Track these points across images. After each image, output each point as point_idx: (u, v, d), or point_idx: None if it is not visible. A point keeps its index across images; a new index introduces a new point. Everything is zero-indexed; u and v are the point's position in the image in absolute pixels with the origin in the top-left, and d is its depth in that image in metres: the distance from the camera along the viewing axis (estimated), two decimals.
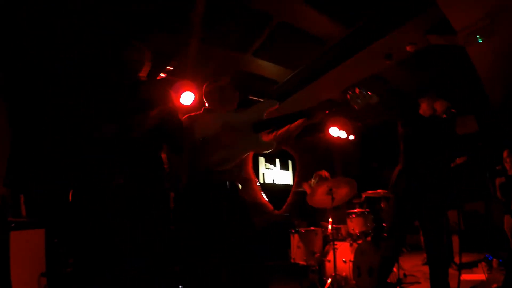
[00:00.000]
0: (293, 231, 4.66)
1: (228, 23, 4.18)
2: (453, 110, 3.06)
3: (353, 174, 7.02)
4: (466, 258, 5.32)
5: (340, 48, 4.52)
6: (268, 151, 2.23)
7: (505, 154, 4.40)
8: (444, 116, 3.07)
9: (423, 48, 4.03)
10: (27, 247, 2.91)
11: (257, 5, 3.90)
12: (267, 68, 5.26)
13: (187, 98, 5.13)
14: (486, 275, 4.05)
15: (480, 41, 2.84)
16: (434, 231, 3.00)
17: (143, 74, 2.15)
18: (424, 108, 3.28)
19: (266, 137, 2.48)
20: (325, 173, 5.13)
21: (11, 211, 3.22)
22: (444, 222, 3.08)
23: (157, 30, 4.21)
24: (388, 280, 4.09)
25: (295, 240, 4.61)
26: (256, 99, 6.00)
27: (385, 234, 3.26)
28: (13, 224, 2.74)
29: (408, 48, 3.97)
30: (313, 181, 5.25)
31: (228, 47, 4.70)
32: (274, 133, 2.60)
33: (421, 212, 3.06)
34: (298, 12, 4.00)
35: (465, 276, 4.24)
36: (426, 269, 3.17)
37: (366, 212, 4.54)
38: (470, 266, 4.72)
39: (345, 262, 4.05)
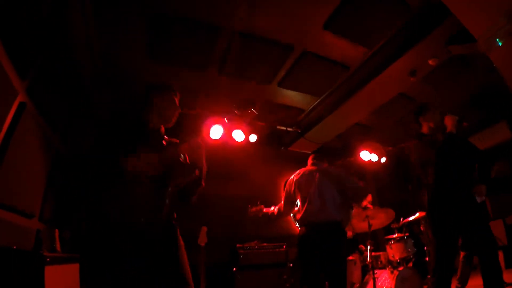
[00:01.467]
0: None
1: (251, 56, 4.32)
2: (465, 124, 2.98)
3: (389, 199, 6.76)
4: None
5: (364, 70, 4.51)
6: None
7: None
8: (454, 131, 2.99)
9: (446, 60, 3.96)
10: (62, 282, 2.95)
11: (277, 36, 4.02)
12: (293, 97, 5.33)
13: (216, 132, 5.28)
14: None
15: (500, 44, 2.75)
16: (487, 250, 2.78)
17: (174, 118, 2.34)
18: (430, 127, 3.16)
19: None
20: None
21: (47, 246, 3.34)
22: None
23: (184, 67, 4.43)
24: None
25: None
26: (284, 128, 6.04)
27: (432, 271, 3.02)
28: (48, 259, 2.81)
29: (430, 62, 3.91)
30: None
31: (253, 79, 4.82)
32: None
33: (466, 236, 2.93)
34: (319, 39, 4.07)
35: None
36: None
37: (405, 237, 4.31)
38: None
39: None
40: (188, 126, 5.22)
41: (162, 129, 2.31)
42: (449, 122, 3.03)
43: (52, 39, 3.15)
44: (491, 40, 2.79)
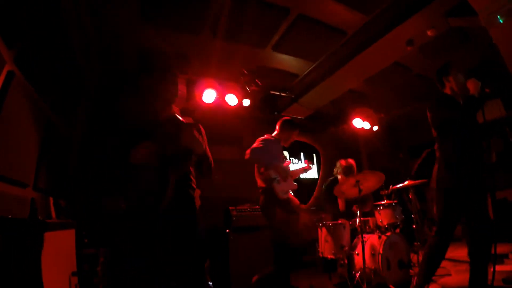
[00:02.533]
0: (320, 224, 4.64)
1: (246, 19, 4.18)
2: (487, 90, 2.86)
3: (380, 166, 6.90)
4: (496, 248, 5.09)
5: (360, 37, 4.42)
6: None
7: None
8: (476, 95, 2.86)
9: (444, 32, 3.88)
10: (58, 248, 3.01)
11: None
12: (287, 61, 5.24)
13: (208, 96, 5.23)
14: None
15: (501, 21, 2.68)
16: (484, 220, 2.83)
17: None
18: (453, 87, 3.05)
19: None
20: (349, 161, 5.10)
21: (42, 214, 3.38)
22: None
23: (176, 31, 4.29)
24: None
25: (323, 234, 4.58)
26: (278, 93, 5.99)
27: (433, 231, 3.03)
28: (43, 225, 2.84)
29: (429, 33, 3.84)
30: (336, 170, 5.24)
31: (247, 43, 4.70)
32: None
33: (470, 202, 2.87)
34: (315, 2, 3.95)
35: (496, 267, 4.06)
36: (456, 261, 3.01)
37: (394, 204, 4.43)
38: (501, 257, 4.52)
39: (374, 255, 3.98)
40: (181, 91, 5.17)
41: (172, 111, 2.38)
42: (472, 85, 2.92)
43: (39, 6, 3.01)
44: (492, 16, 2.71)
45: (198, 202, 2.34)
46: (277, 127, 4.35)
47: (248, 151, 3.96)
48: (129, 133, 2.27)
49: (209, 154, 2.48)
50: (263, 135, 4.18)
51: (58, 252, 2.98)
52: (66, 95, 4.17)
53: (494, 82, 2.84)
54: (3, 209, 2.68)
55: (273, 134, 4.29)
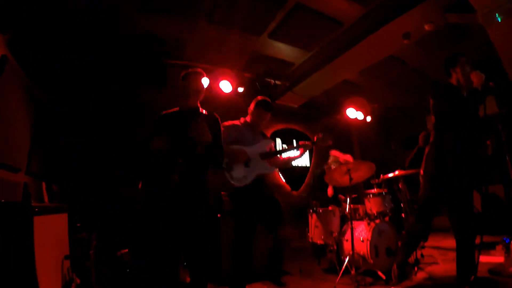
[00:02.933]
0: (311, 211, 4.74)
1: (242, 5, 4.17)
2: (491, 84, 2.85)
3: (371, 156, 7.03)
4: (483, 240, 5.30)
5: (357, 28, 4.45)
6: None
7: None
8: (480, 88, 2.86)
9: (442, 27, 3.93)
10: (51, 231, 3.03)
11: None
12: (283, 50, 5.24)
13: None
14: (504, 257, 4.03)
15: (499, 20, 2.72)
16: (465, 212, 2.88)
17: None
18: (459, 78, 3.04)
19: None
20: (339, 154, 5.18)
21: (35, 198, 3.40)
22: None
23: (172, 17, 4.26)
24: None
25: (313, 220, 4.69)
26: (272, 81, 6.01)
27: (415, 215, 3.14)
28: (36, 209, 2.86)
29: (426, 27, 3.87)
30: (330, 161, 5.31)
31: (243, 29, 4.68)
32: None
33: (453, 192, 2.90)
34: None
35: (483, 258, 4.22)
36: (444, 249, 3.13)
37: (384, 193, 4.54)
38: (488, 248, 4.70)
39: (362, 241, 4.10)
40: (176, 77, 5.15)
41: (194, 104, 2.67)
42: (476, 78, 2.90)
43: None
44: (490, 14, 2.74)
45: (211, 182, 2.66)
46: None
47: None
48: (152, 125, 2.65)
49: (219, 143, 2.72)
50: None
51: (51, 235, 3.01)
52: (60, 81, 4.14)
53: (490, 80, 2.84)
54: None
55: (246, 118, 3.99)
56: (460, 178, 2.88)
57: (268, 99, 3.75)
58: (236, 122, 3.82)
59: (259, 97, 3.71)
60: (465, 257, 2.82)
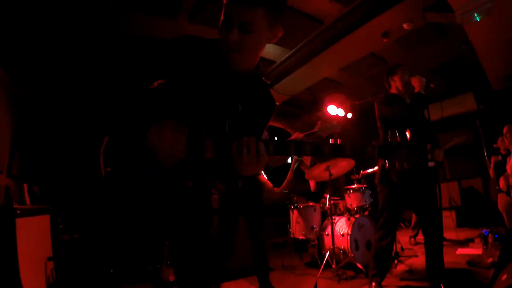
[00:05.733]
0: (292, 207, 4.80)
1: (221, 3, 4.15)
2: (431, 86, 2.96)
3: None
4: (462, 233, 5.51)
5: (337, 27, 4.50)
6: None
7: (505, 129, 4.33)
8: (423, 92, 2.96)
9: (421, 26, 4.02)
10: (33, 233, 3.00)
11: None
12: (265, 48, 5.24)
13: None
14: (482, 249, 4.18)
15: (478, 19, 2.82)
16: (429, 210, 2.96)
17: None
18: (398, 87, 3.15)
19: None
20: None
21: (16, 200, 3.32)
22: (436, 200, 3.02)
23: (153, 16, 4.22)
24: None
25: (294, 215, 4.75)
26: None
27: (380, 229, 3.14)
28: (18, 211, 2.82)
29: (405, 26, 3.95)
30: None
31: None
32: None
33: (412, 195, 3.01)
34: None
35: (461, 251, 4.39)
36: (422, 243, 3.19)
37: (363, 188, 4.64)
38: (467, 241, 4.88)
39: (343, 235, 4.18)
40: None
41: None
42: (416, 83, 3.01)
43: None
44: (469, 14, 2.81)
45: None
46: None
47: None
48: None
49: None
50: None
51: (33, 237, 2.97)
52: (41, 82, 4.03)
53: (468, 77, 2.94)
54: None
55: None
56: (416, 183, 2.96)
57: None
58: None
59: None
60: (434, 252, 2.90)
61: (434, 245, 2.92)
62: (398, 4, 3.68)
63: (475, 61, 3.54)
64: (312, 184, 5.29)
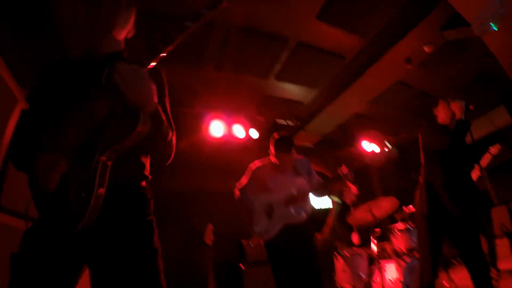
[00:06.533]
0: (337, 255, 4.50)
1: (246, 50, 4.27)
2: (471, 107, 2.89)
3: (393, 188, 6.72)
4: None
5: (359, 60, 4.46)
6: None
7: None
8: (463, 117, 2.90)
9: (442, 46, 3.89)
10: None
11: (271, 28, 3.97)
12: (291, 90, 5.29)
13: (216, 129, 5.26)
14: None
15: (494, 28, 2.67)
16: (470, 241, 2.73)
17: None
18: (442, 117, 3.09)
19: None
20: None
21: None
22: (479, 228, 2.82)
23: (179, 65, 4.40)
24: None
25: (340, 264, 4.45)
26: (284, 122, 6.00)
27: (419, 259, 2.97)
28: None
29: (426, 49, 3.85)
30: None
31: (249, 73, 4.78)
32: None
33: (453, 227, 2.82)
34: (313, 30, 4.01)
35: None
36: None
37: (411, 228, 4.27)
38: None
39: (392, 281, 3.80)
40: (189, 125, 5.23)
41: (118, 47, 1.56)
42: (456, 108, 2.94)
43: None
44: (485, 24, 2.71)
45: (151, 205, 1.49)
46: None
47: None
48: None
49: (170, 119, 1.54)
50: None
51: None
52: None
53: (496, 89, 2.83)
54: None
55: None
56: (460, 215, 2.77)
57: (286, 134, 3.40)
58: (265, 160, 3.43)
59: (275, 135, 3.35)
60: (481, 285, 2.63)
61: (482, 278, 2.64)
62: (414, 28, 3.63)
63: (501, 72, 3.35)
64: (355, 238, 4.90)
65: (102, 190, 1.22)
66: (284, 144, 3.26)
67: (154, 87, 1.29)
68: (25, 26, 2.74)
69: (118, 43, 1.52)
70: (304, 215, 3.09)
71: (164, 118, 1.43)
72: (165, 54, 1.42)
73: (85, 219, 1.18)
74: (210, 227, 4.46)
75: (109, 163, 1.26)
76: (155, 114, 1.35)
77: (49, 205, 1.26)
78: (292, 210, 3.02)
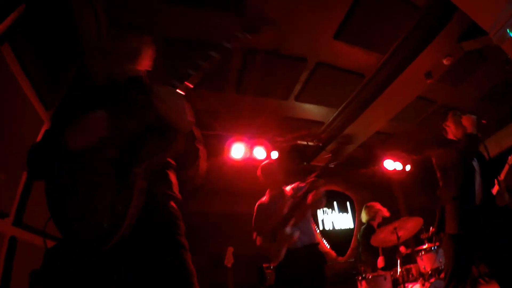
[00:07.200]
0: (360, 278, 4.36)
1: (265, 73, 4.36)
2: (483, 121, 2.83)
3: (418, 207, 6.50)
4: None
5: (379, 77, 4.46)
6: None
7: None
8: (478, 132, 2.82)
9: (461, 57, 3.85)
10: None
11: (290, 50, 4.06)
12: (311, 110, 5.32)
13: (237, 151, 5.32)
14: None
15: (511, 35, 2.65)
16: (505, 261, 2.61)
17: None
18: (452, 131, 3.06)
19: None
20: (377, 205, 4.89)
21: None
22: None
23: (200, 89, 4.53)
24: None
25: (362, 287, 4.26)
26: (305, 143, 6.00)
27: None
28: None
29: (445, 62, 3.82)
30: (363, 214, 5.04)
31: (269, 95, 4.85)
32: None
33: (485, 247, 2.72)
34: (331, 49, 4.07)
35: None
36: None
37: (435, 247, 4.11)
38: None
39: None
40: (210, 147, 5.32)
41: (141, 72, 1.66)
42: (467, 122, 2.88)
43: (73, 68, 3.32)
44: (502, 32, 2.70)
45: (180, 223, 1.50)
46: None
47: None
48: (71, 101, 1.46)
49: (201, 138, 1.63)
50: None
51: None
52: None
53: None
54: None
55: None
56: (487, 233, 2.69)
57: (271, 162, 3.78)
58: (262, 199, 3.70)
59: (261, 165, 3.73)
60: None
61: None
62: (432, 41, 3.61)
63: None
64: (380, 261, 4.76)
65: (139, 204, 1.25)
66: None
67: (190, 107, 1.40)
68: (51, 48, 2.93)
69: (139, 70, 1.64)
70: (300, 235, 3.11)
71: (199, 136, 1.55)
72: (192, 81, 1.56)
73: (120, 234, 1.19)
74: (230, 249, 4.44)
75: (145, 178, 1.30)
76: (190, 132, 1.47)
77: (75, 220, 1.24)
78: (290, 231, 3.07)
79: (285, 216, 3.12)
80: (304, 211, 3.18)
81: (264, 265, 5.05)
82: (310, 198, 3.08)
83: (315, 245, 3.24)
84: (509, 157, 2.98)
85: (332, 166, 6.52)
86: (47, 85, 3.06)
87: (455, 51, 3.64)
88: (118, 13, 2.98)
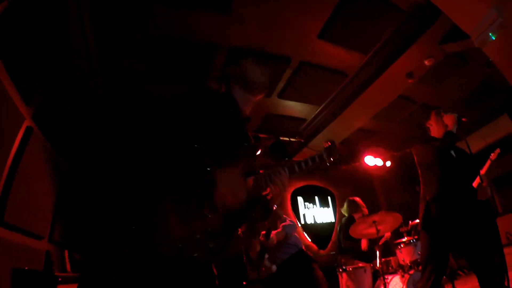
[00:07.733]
0: (340, 270, 4.46)
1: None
2: (463, 119, 2.94)
3: (397, 201, 6.73)
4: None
5: (361, 76, 4.56)
6: None
7: None
8: (454, 131, 2.95)
9: (442, 59, 3.98)
10: None
11: (274, 49, 4.08)
12: (294, 107, 5.36)
13: None
14: None
15: (493, 38, 2.76)
16: (483, 254, 2.71)
17: None
18: (434, 129, 3.16)
19: None
20: (359, 200, 5.03)
21: (57, 266, 3.37)
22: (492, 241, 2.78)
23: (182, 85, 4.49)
24: None
25: (343, 279, 4.41)
26: (287, 139, 6.06)
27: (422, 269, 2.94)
28: (60, 279, 2.84)
29: (426, 62, 3.94)
30: (345, 207, 5.16)
31: None
32: None
33: (461, 238, 2.82)
34: (314, 48, 4.12)
35: None
36: None
37: (414, 240, 4.27)
38: None
39: None
40: None
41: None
42: (449, 121, 2.99)
43: (55, 67, 3.26)
44: (484, 35, 2.81)
45: None
46: None
47: None
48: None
49: None
50: None
51: None
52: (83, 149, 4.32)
53: (498, 98, 2.88)
54: (19, 261, 2.71)
55: None
56: (463, 226, 2.79)
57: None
58: None
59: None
60: None
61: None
62: (414, 43, 3.71)
63: (503, 81, 3.41)
64: (363, 242, 4.89)
65: None
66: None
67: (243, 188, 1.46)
68: (34, 44, 2.89)
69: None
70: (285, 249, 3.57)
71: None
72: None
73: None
74: None
75: None
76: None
77: None
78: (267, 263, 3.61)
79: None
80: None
81: None
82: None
83: (300, 251, 3.53)
84: (491, 154, 3.12)
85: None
86: (28, 80, 3.01)
87: (437, 53, 3.75)
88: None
